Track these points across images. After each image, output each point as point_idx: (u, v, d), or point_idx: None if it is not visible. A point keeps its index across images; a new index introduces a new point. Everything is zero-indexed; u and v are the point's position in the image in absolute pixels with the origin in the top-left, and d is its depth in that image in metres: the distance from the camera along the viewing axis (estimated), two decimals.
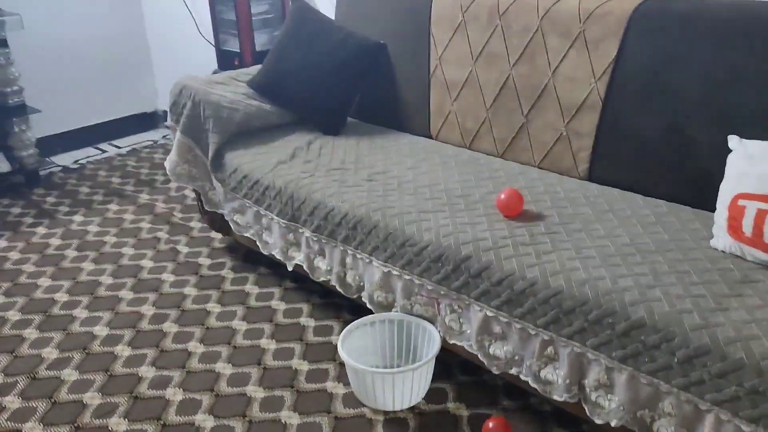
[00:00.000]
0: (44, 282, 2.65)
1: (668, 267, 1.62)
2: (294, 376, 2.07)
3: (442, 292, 1.87)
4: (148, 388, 2.03)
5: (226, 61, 3.27)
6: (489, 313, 1.76)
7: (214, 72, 3.33)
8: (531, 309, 1.66)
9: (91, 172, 3.78)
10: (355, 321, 2.05)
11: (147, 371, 2.11)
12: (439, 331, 1.94)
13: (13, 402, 1.99)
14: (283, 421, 1.89)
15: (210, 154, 2.56)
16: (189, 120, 2.59)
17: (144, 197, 3.42)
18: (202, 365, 2.13)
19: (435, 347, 1.92)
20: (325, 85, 2.63)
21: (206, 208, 2.73)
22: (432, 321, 1.96)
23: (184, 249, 2.87)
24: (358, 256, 2.08)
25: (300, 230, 2.26)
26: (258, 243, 2.46)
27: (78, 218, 3.19)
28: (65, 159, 3.99)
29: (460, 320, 1.87)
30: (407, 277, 1.95)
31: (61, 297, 2.54)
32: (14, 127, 3.49)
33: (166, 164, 2.67)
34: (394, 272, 1.98)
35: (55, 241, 2.97)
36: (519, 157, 2.30)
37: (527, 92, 2.23)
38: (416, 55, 2.54)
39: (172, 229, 3.06)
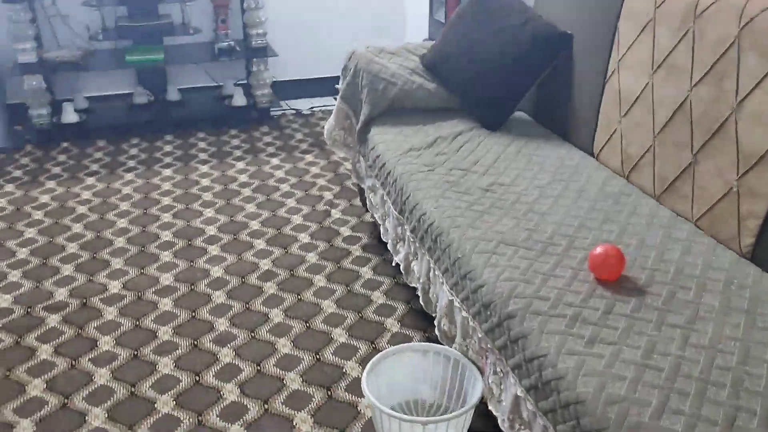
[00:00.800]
0: (208, 213, 2.85)
1: (759, 423, 1.08)
2: (338, 380, 1.91)
3: (489, 346, 1.53)
4: (209, 341, 2.07)
5: (434, 30, 3.09)
6: (519, 393, 1.39)
7: (424, 40, 3.17)
8: (552, 408, 1.26)
9: (315, 121, 3.96)
10: (408, 344, 1.80)
11: (221, 324, 2.15)
12: (483, 389, 1.60)
13: (110, 314, 2.20)
14: (294, 423, 1.77)
15: (358, 125, 2.45)
16: (349, 87, 2.51)
17: (339, 154, 3.47)
18: (268, 336, 2.09)
19: (471, 402, 1.59)
20: (494, 73, 2.31)
21: (353, 178, 2.66)
22: (482, 373, 1.63)
23: (336, 214, 2.84)
24: (436, 272, 1.81)
25: (405, 226, 2.05)
26: (381, 228, 2.31)
27: (274, 161, 3.37)
28: (303, 104, 4.24)
29: (500, 387, 1.52)
30: (464, 314, 1.64)
31: (210, 230, 2.71)
32: (254, 66, 3.80)
33: (325, 127, 2.64)
34: (456, 304, 1.68)
35: (243, 178, 3.18)
36: (676, 204, 1.75)
37: (703, 124, 1.65)
38: (597, 53, 2.07)
39: (339, 191, 3.05)
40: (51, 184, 3.11)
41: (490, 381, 1.56)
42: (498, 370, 1.51)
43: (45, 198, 2.97)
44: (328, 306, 2.24)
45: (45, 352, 2.02)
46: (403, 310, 2.22)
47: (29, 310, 2.21)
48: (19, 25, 3.34)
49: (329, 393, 1.86)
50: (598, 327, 1.32)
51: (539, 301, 1.41)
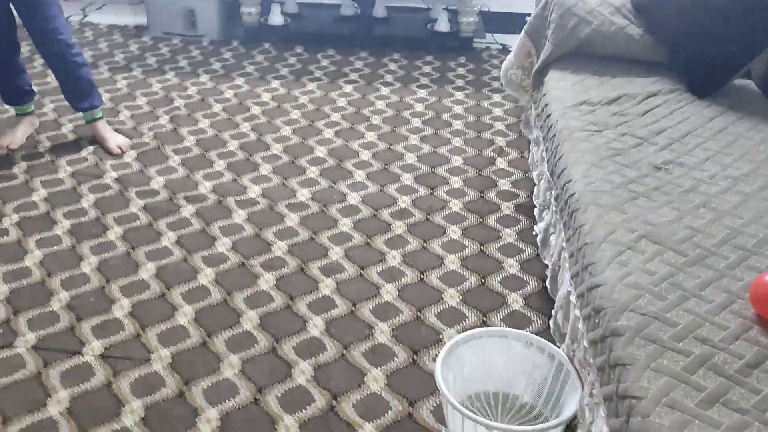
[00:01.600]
0: (369, 136, 2.70)
1: None
2: (429, 346, 1.69)
3: (591, 361, 1.20)
4: (316, 268, 1.95)
5: None
6: None
7: None
8: None
9: None
10: (513, 329, 1.52)
11: (335, 253, 2.02)
12: (576, 408, 1.29)
13: (239, 217, 2.17)
14: (366, 378, 1.59)
15: (537, 65, 2.11)
16: (535, 20, 2.15)
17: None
18: (376, 278, 1.92)
19: (558, 420, 1.29)
20: (723, 22, 1.81)
21: (522, 128, 2.33)
22: (582, 389, 1.31)
23: (501, 164, 2.54)
24: (565, 254, 1.49)
25: (552, 191, 1.72)
26: (535, 188, 2.00)
27: (458, 95, 3.11)
28: (512, 40, 3.86)
29: (594, 414, 1.19)
30: (576, 313, 1.31)
31: (364, 155, 2.56)
32: None
33: (503, 63, 2.32)
34: (572, 298, 1.36)
35: (419, 107, 2.96)
36: None
37: None
38: None
39: (515, 140, 2.72)
40: (240, 81, 3.18)
41: (584, 403, 1.25)
42: (594, 393, 1.19)
43: (229, 93, 3.05)
44: (451, 262, 2.00)
45: (168, 240, 2.06)
46: (534, 288, 1.90)
47: (173, 196, 2.27)
48: None
49: (414, 357, 1.66)
50: (730, 383, 0.95)
51: (660, 325, 1.06)
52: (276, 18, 3.65)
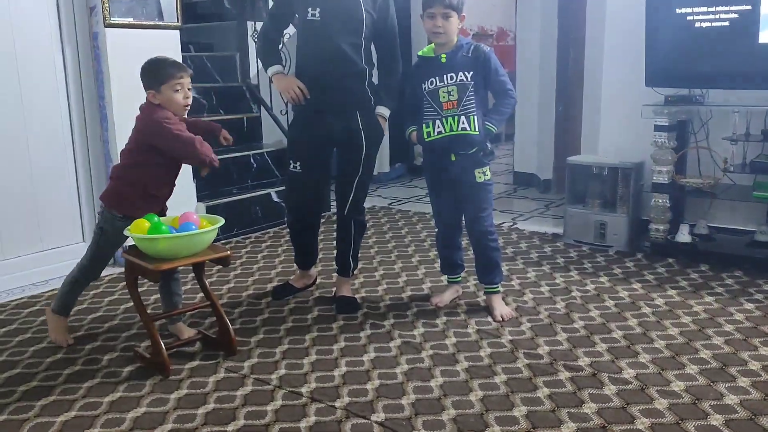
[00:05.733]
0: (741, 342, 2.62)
1: None
2: None
3: None
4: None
5: None
6: None
7: None
8: None
9: None
10: None
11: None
12: None
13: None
14: None
15: None
16: None
17: None
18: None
19: None
20: None
21: None
22: None
23: None
24: None
25: None
26: None
27: None
28: None
29: None
30: None
31: (704, 354, 2.50)
32: None
33: None
34: None
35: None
36: None
37: None
38: None
39: None
40: (637, 285, 3.42)
41: None
42: None
43: (623, 293, 3.30)
44: None
45: (542, 393, 2.34)
46: None
47: (553, 362, 2.57)
48: (661, 150, 3.81)
49: None
50: None
51: None
52: (683, 236, 3.85)
